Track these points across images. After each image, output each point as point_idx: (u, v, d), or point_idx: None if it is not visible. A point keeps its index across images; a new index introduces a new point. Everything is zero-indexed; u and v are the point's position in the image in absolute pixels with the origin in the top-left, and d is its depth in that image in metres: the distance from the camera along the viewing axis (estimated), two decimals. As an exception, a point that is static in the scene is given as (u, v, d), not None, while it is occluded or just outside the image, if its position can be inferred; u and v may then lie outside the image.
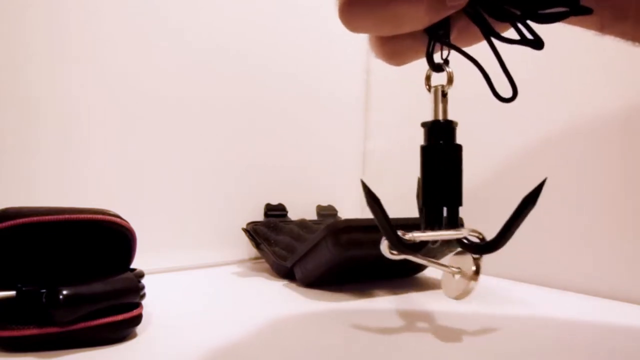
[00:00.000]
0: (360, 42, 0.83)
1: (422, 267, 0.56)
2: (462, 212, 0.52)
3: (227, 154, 0.63)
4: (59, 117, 0.51)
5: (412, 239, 0.30)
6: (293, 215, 0.66)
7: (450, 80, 0.31)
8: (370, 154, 0.76)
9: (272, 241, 0.58)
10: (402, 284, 0.52)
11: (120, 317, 0.33)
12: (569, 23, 0.30)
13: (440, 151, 0.31)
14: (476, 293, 0.51)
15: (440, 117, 0.31)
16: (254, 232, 0.59)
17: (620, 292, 0.48)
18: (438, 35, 0.30)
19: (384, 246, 0.32)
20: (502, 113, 0.59)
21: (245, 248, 0.63)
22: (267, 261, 0.58)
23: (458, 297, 0.34)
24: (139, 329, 0.35)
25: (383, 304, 0.45)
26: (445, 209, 0.31)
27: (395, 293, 0.49)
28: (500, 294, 0.51)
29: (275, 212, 0.65)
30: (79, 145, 0.52)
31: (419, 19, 0.27)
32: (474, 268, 0.34)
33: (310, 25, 0.70)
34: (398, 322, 0.40)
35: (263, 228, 0.60)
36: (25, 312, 0.31)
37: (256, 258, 0.64)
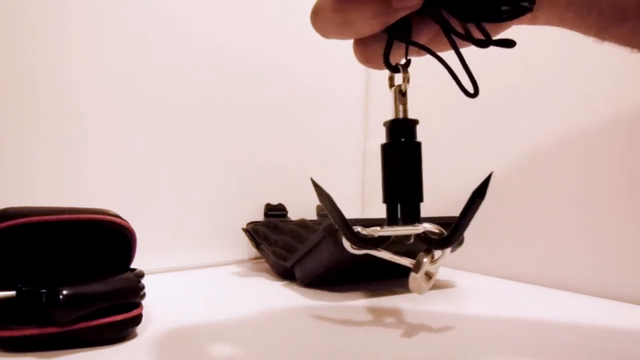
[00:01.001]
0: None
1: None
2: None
3: (227, 154, 0.63)
4: (59, 118, 0.51)
5: (370, 234, 0.31)
6: (293, 215, 0.66)
7: (407, 80, 0.31)
8: (370, 154, 0.76)
9: (272, 241, 0.58)
10: (401, 284, 0.52)
11: (120, 317, 0.33)
12: (568, 28, 0.30)
13: (400, 149, 0.31)
14: (477, 294, 0.51)
15: (400, 116, 0.31)
16: (254, 232, 0.59)
17: (620, 292, 0.48)
18: (397, 35, 0.30)
19: (346, 242, 0.32)
20: (502, 115, 0.59)
21: (245, 248, 0.63)
22: (267, 261, 0.58)
23: (412, 290, 0.34)
24: (139, 329, 0.35)
25: (382, 304, 0.45)
26: (405, 205, 0.31)
27: (394, 293, 0.49)
28: (501, 294, 0.51)
29: (275, 212, 0.65)
30: (79, 145, 0.52)
31: (370, 23, 0.28)
32: (415, 261, 0.33)
33: (311, 26, 0.70)
34: (398, 322, 0.40)
35: (263, 228, 0.60)
36: (25, 312, 0.31)
37: (256, 258, 0.64)
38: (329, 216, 0.32)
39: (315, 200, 0.74)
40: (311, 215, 0.68)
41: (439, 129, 0.67)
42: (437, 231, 0.32)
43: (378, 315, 0.42)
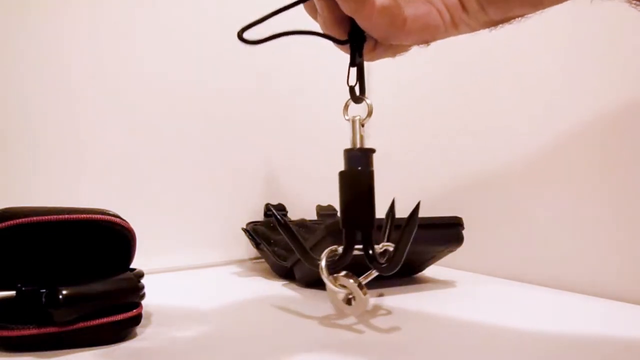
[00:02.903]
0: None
1: (421, 267, 0.56)
2: (466, 212, 0.52)
3: (227, 154, 0.63)
4: (60, 118, 0.51)
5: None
6: (293, 215, 0.66)
7: (369, 113, 0.34)
8: (370, 154, 0.76)
9: (272, 241, 0.58)
10: (401, 284, 0.52)
11: (120, 317, 0.33)
12: None
13: (355, 177, 0.33)
14: (477, 294, 0.51)
15: (358, 145, 0.34)
16: (253, 232, 0.59)
17: (620, 292, 0.48)
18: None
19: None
20: (504, 113, 0.59)
21: (245, 248, 0.63)
22: (267, 261, 0.58)
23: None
24: (138, 328, 0.35)
25: (382, 304, 0.45)
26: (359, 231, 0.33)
27: (394, 293, 0.49)
28: (502, 294, 0.51)
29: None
30: (79, 145, 0.52)
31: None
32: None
33: (311, 25, 0.70)
34: (397, 322, 0.40)
35: (263, 228, 0.60)
36: (25, 312, 0.31)
37: (256, 258, 0.64)
38: (291, 244, 0.35)
39: (315, 200, 0.75)
40: (311, 215, 0.68)
41: (435, 129, 0.67)
42: (385, 254, 0.35)
43: (377, 315, 0.42)
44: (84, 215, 0.34)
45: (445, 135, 0.66)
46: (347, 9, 0.30)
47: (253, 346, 0.34)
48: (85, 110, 0.52)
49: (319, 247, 0.47)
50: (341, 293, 0.35)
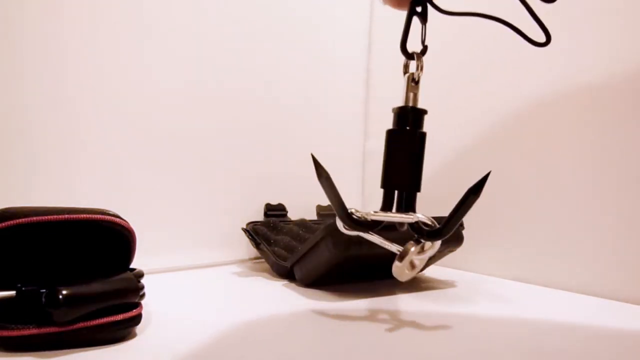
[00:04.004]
0: (360, 42, 0.83)
1: (422, 268, 0.56)
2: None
3: (227, 154, 0.63)
4: (59, 118, 0.51)
5: (364, 216, 0.32)
6: (293, 215, 0.66)
7: (420, 68, 0.32)
8: (370, 154, 0.76)
9: (272, 241, 0.58)
10: (401, 284, 0.52)
11: (119, 317, 0.33)
12: None
13: (403, 137, 0.31)
14: (477, 294, 0.51)
15: (410, 104, 0.32)
16: (254, 232, 0.59)
17: (620, 292, 0.48)
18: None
19: (339, 222, 0.33)
20: (502, 110, 0.59)
21: (245, 248, 0.63)
22: (267, 261, 0.58)
23: (394, 275, 0.34)
24: (138, 328, 0.35)
25: (382, 304, 0.45)
26: (403, 194, 0.32)
27: (394, 293, 0.49)
28: (502, 294, 0.51)
29: (275, 212, 0.65)
30: (79, 145, 0.52)
31: None
32: (402, 250, 0.34)
33: (312, 27, 0.70)
34: (397, 322, 0.40)
35: (263, 228, 0.60)
36: (25, 312, 0.31)
37: (256, 258, 0.64)
38: (326, 194, 0.32)
39: (315, 200, 0.74)
40: (311, 215, 0.68)
41: (434, 127, 0.67)
42: (429, 223, 0.32)
43: (377, 315, 0.42)
44: (84, 215, 0.34)
45: (444, 134, 0.66)
46: None
47: (253, 346, 0.34)
48: (85, 110, 0.52)
49: (318, 247, 0.47)
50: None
